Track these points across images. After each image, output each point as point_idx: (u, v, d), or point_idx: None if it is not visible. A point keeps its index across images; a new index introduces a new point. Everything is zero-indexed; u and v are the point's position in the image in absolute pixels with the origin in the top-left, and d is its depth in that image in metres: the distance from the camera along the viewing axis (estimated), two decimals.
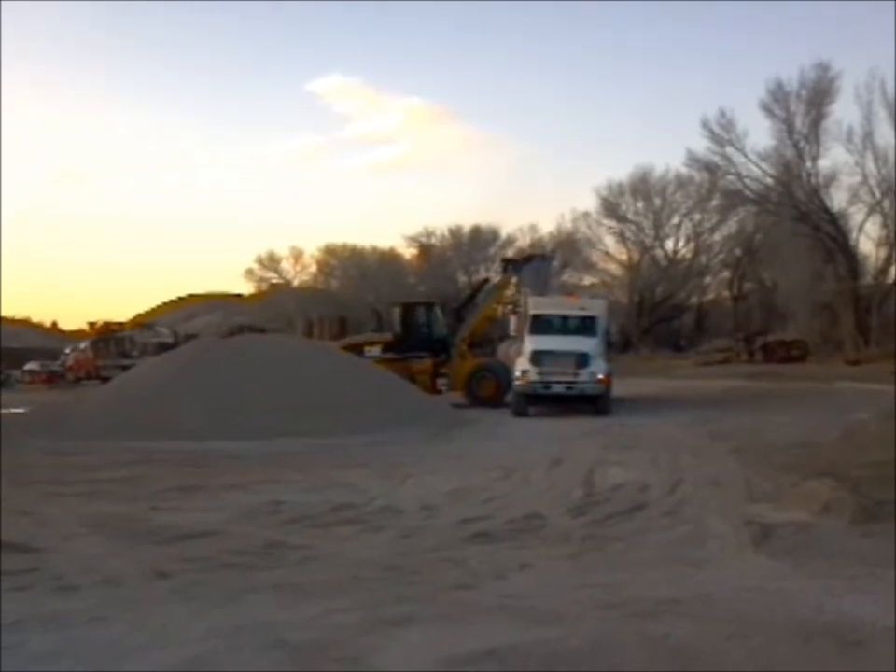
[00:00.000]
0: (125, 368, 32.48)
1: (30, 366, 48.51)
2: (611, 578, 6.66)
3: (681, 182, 60.86)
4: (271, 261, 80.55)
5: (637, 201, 63.88)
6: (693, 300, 67.27)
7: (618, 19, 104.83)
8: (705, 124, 47.81)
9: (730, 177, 49.02)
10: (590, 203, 71.37)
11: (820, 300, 47.18)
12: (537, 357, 22.04)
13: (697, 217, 62.52)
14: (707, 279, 66.44)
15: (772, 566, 6.98)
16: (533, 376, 21.93)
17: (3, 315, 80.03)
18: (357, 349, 25.96)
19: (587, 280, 65.78)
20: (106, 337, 47.62)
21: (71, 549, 7.86)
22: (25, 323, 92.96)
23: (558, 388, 21.89)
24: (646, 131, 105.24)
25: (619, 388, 24.34)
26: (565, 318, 23.80)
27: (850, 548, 7.42)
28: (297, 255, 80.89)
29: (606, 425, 19.26)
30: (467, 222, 73.18)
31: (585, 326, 23.20)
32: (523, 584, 6.58)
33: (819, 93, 45.47)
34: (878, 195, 45.19)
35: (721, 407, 23.56)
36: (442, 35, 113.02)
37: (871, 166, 44.72)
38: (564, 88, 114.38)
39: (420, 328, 27.32)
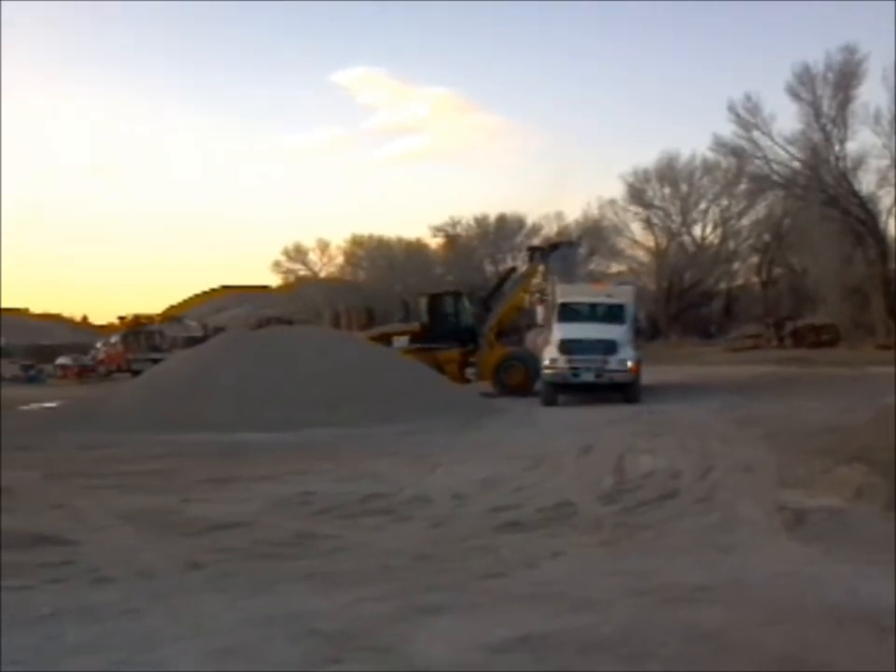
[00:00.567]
0: (155, 361, 32.66)
1: (61, 360, 48.81)
2: (643, 565, 6.64)
3: (708, 167, 60.30)
4: (298, 253, 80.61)
5: (663, 187, 63.39)
6: (722, 285, 66.59)
7: (642, 4, 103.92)
8: (731, 108, 47.34)
9: (757, 162, 48.52)
10: (616, 190, 70.70)
11: (850, 284, 46.69)
12: (565, 346, 21.96)
13: (724, 202, 61.95)
14: (736, 265, 65.85)
15: (804, 551, 6.94)
16: (561, 365, 21.85)
17: (34, 311, 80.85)
18: (384, 340, 26.02)
19: (614, 267, 65.36)
20: (136, 331, 47.93)
21: (105, 541, 7.94)
22: (56, 318, 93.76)
23: (587, 376, 21.79)
24: (671, 116, 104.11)
25: (648, 376, 24.20)
26: (593, 306, 23.71)
27: (883, 533, 7.34)
28: (323, 247, 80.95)
29: (635, 412, 19.18)
30: (492, 211, 72.77)
31: (613, 313, 23.09)
32: (554, 572, 6.58)
33: (847, 76, 44.89)
34: None
35: (752, 393, 23.40)
36: (467, 24, 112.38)
37: None
38: (588, 75, 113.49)
39: (447, 317, 27.31)
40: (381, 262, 76.63)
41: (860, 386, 23.20)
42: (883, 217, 46.84)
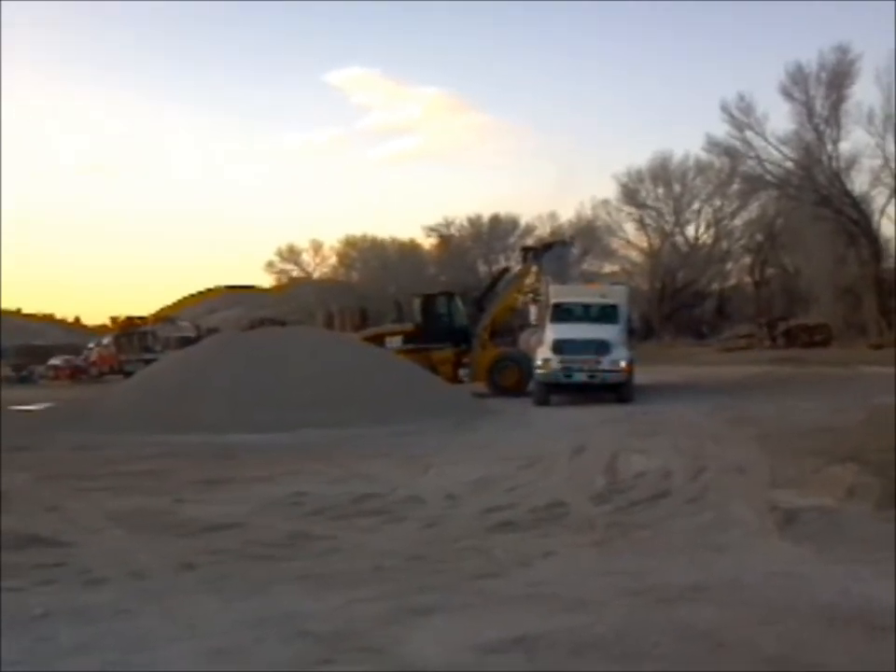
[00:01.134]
0: (148, 362, 32.62)
1: (54, 361, 48.72)
2: (636, 564, 6.65)
3: (701, 167, 60.56)
4: (291, 254, 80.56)
5: (656, 187, 63.58)
6: (715, 286, 66.78)
7: (636, 4, 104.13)
8: (724, 108, 47.62)
9: (750, 162, 48.79)
10: (609, 191, 71.07)
11: (843, 284, 46.84)
12: (558, 346, 21.97)
13: (718, 202, 62.16)
14: (729, 265, 66.02)
15: (796, 551, 6.95)
16: (555, 365, 21.86)
17: (26, 311, 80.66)
18: (378, 340, 26.01)
19: (607, 268, 65.51)
20: (129, 332, 47.76)
21: (98, 542, 7.93)
22: (48, 319, 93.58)
23: (580, 377, 21.81)
24: (665, 116, 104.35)
25: (641, 376, 24.24)
26: (586, 306, 23.72)
27: (875, 532, 7.37)
28: (317, 247, 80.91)
29: (628, 413, 19.19)
30: (486, 211, 73.02)
31: (606, 314, 23.11)
32: (547, 572, 6.58)
33: (839, 76, 45.10)
34: None
35: (744, 393, 23.43)
36: (460, 24, 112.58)
37: (892, 148, 44.35)
38: (581, 75, 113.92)
39: (441, 318, 27.31)
40: (374, 263, 76.64)
41: (852, 386, 23.28)
42: (876, 217, 47.10)
